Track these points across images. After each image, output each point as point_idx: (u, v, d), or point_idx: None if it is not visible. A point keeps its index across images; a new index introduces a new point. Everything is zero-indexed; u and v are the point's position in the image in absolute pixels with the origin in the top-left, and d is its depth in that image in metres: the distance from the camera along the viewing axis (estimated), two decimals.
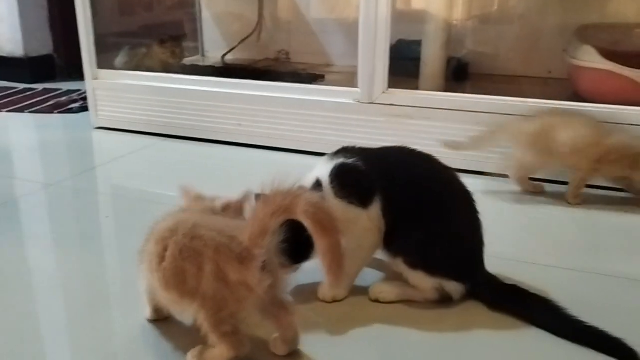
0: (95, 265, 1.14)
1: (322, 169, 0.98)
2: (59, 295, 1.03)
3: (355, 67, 1.69)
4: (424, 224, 0.93)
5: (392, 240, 0.95)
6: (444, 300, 0.96)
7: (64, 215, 1.40)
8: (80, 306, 0.99)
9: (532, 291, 0.95)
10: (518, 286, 0.96)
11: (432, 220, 0.93)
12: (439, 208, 0.94)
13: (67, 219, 1.38)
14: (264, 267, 0.75)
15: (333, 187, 0.95)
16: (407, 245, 0.93)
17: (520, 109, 1.54)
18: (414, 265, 0.93)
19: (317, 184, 0.96)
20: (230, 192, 0.96)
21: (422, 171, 0.97)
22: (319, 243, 0.75)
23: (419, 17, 1.94)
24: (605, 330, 0.85)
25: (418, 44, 1.92)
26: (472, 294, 0.97)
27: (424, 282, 0.94)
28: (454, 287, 0.95)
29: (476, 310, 0.96)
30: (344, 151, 1.00)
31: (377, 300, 0.98)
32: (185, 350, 0.83)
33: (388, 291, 0.98)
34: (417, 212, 0.93)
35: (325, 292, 0.98)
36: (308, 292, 1.00)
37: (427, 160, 0.99)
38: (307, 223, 0.74)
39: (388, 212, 0.94)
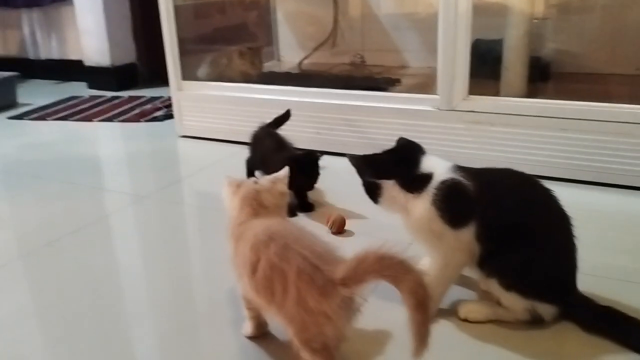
0: (194, 281, 1.21)
1: (441, 170, 0.98)
2: (154, 314, 1.10)
3: (432, 68, 1.68)
4: (521, 247, 0.92)
5: (487, 261, 0.95)
6: (536, 321, 0.95)
7: (159, 228, 1.48)
8: (175, 324, 1.06)
9: (629, 312, 0.93)
10: (613, 307, 0.94)
11: (529, 243, 0.93)
12: (536, 232, 0.94)
13: (162, 231, 1.46)
14: (346, 305, 0.79)
15: (436, 195, 0.95)
16: (503, 267, 0.94)
17: (606, 115, 1.49)
18: (508, 286, 0.93)
19: (427, 177, 0.97)
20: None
21: (522, 195, 0.97)
22: (412, 315, 0.75)
23: (496, 13, 1.89)
24: None
25: (498, 43, 1.87)
26: (565, 316, 0.96)
27: (517, 304, 0.94)
28: (546, 309, 0.94)
29: (570, 332, 0.95)
30: (461, 169, 0.99)
31: (466, 320, 0.99)
32: None
33: (478, 311, 0.99)
34: (514, 235, 0.93)
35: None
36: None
37: (528, 184, 0.98)
38: (406, 298, 0.75)
39: (484, 237, 0.94)
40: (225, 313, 1.06)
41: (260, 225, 0.90)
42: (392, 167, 1.02)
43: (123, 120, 2.53)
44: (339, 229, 1.37)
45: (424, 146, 1.69)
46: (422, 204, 0.96)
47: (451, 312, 1.01)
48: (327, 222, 1.38)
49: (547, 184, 0.98)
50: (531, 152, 1.60)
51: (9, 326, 1.06)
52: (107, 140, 2.33)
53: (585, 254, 0.97)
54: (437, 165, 0.99)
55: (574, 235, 0.95)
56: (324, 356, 0.82)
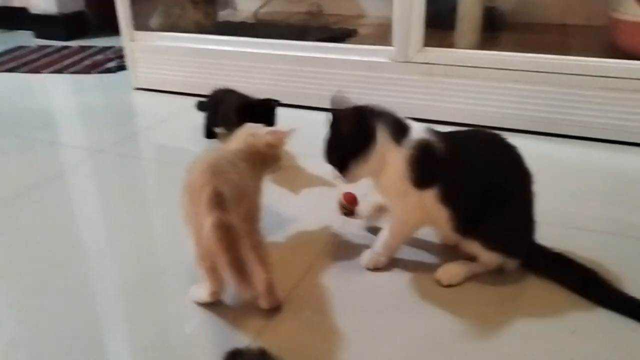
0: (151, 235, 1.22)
1: (416, 128, 0.99)
2: (113, 267, 1.12)
3: (389, 18, 1.68)
4: (496, 209, 0.96)
5: (466, 225, 0.98)
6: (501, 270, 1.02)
7: (117, 183, 1.47)
8: (136, 277, 1.08)
9: (576, 258, 1.00)
10: (563, 254, 1.01)
11: (503, 204, 0.96)
12: (508, 193, 0.97)
13: (120, 186, 1.45)
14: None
15: (411, 154, 0.96)
16: (483, 229, 0.98)
17: (555, 67, 1.53)
18: (490, 247, 0.98)
19: (407, 128, 0.98)
20: None
21: (491, 158, 0.99)
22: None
23: None
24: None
25: None
26: (524, 264, 1.02)
27: (495, 260, 1.00)
28: (514, 262, 1.01)
29: (529, 278, 1.02)
30: (432, 131, 1.00)
31: (449, 285, 1.01)
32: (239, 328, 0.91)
33: (457, 273, 1.02)
34: (488, 197, 0.96)
35: (367, 260, 1.05)
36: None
37: (496, 145, 1.00)
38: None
39: (450, 200, 0.97)
40: (186, 267, 1.08)
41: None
42: (382, 116, 0.99)
43: (74, 72, 2.45)
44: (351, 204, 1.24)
45: (380, 97, 1.72)
46: (399, 159, 0.96)
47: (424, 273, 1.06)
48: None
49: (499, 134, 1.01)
50: (485, 104, 1.64)
51: None
52: (58, 92, 2.26)
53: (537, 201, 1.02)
54: (411, 123, 1.00)
55: (534, 193, 1.00)
56: (211, 277, 0.92)
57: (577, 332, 0.89)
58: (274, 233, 1.16)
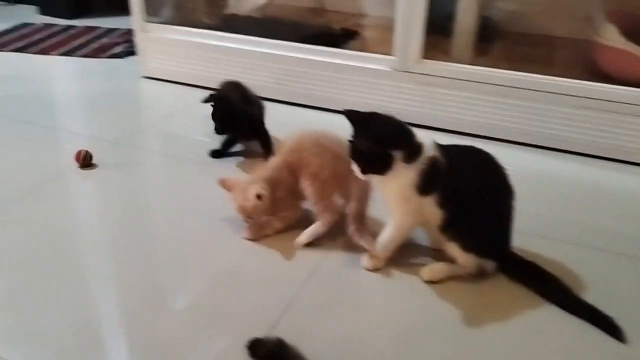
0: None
1: (427, 144, 1.11)
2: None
3: (389, 19, 1.79)
4: (477, 216, 1.12)
5: (449, 227, 1.14)
6: (481, 274, 1.18)
7: (131, 176, 1.59)
8: (143, 271, 1.22)
9: (545, 266, 1.17)
10: (534, 263, 1.18)
11: (483, 212, 1.13)
12: (489, 202, 1.13)
13: (134, 179, 1.57)
14: None
15: (423, 169, 1.10)
16: (463, 232, 1.13)
17: (538, 85, 1.68)
18: (467, 249, 1.14)
19: (420, 148, 1.10)
20: None
21: (479, 171, 1.15)
22: None
23: None
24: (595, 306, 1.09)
25: (451, 2, 1.96)
26: (500, 269, 1.19)
27: (472, 262, 1.15)
28: (491, 265, 1.17)
29: (504, 283, 1.18)
30: (438, 146, 1.13)
31: (430, 281, 1.18)
32: None
33: (439, 271, 1.18)
34: (472, 205, 1.12)
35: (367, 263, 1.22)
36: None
37: (485, 160, 1.16)
38: None
39: (445, 204, 1.12)
40: (196, 255, 1.22)
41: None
42: (401, 137, 1.10)
43: (82, 55, 2.54)
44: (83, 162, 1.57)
45: (378, 102, 1.86)
46: (409, 173, 1.10)
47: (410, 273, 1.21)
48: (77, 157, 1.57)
49: (484, 144, 1.16)
50: (475, 115, 1.79)
51: None
52: (68, 77, 2.35)
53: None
54: (423, 138, 1.12)
55: (514, 205, 1.16)
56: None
57: (543, 333, 1.05)
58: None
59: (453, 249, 1.15)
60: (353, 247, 1.25)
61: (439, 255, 1.22)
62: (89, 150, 1.60)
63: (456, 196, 1.12)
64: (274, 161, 1.32)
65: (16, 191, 1.47)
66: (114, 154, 1.68)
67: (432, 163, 1.10)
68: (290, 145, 1.33)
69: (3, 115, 1.93)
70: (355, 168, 1.13)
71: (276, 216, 1.32)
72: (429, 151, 1.11)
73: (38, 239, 1.29)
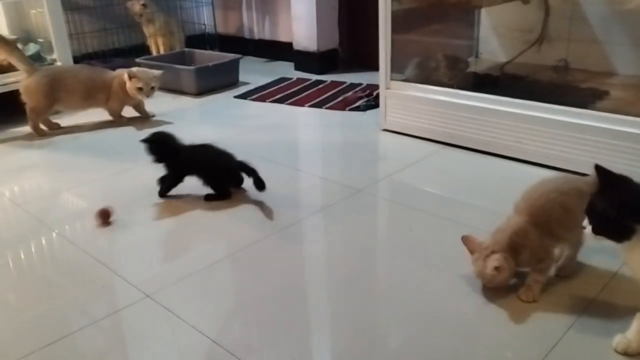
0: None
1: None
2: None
3: None
4: None
5: None
6: None
7: (374, 223, 1.73)
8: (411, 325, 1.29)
9: None
10: None
11: None
12: None
13: (376, 227, 1.70)
14: None
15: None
16: None
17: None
18: None
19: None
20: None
21: None
22: None
23: None
24: None
25: None
26: None
27: None
28: None
29: None
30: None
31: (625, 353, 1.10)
32: None
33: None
34: None
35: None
36: None
37: None
38: None
39: None
40: (458, 312, 1.27)
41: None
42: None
43: (329, 108, 2.83)
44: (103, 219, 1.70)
45: (628, 167, 1.73)
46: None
47: None
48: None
49: None
50: None
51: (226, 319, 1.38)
52: (319, 127, 2.64)
53: None
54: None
55: None
56: None
57: None
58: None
59: None
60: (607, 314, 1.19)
61: None
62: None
63: None
64: (515, 222, 1.29)
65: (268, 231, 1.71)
66: (354, 201, 1.84)
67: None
68: (533, 202, 1.30)
69: (270, 160, 2.24)
70: (586, 223, 1.08)
71: (533, 271, 1.29)
72: None
73: (284, 274, 1.48)
